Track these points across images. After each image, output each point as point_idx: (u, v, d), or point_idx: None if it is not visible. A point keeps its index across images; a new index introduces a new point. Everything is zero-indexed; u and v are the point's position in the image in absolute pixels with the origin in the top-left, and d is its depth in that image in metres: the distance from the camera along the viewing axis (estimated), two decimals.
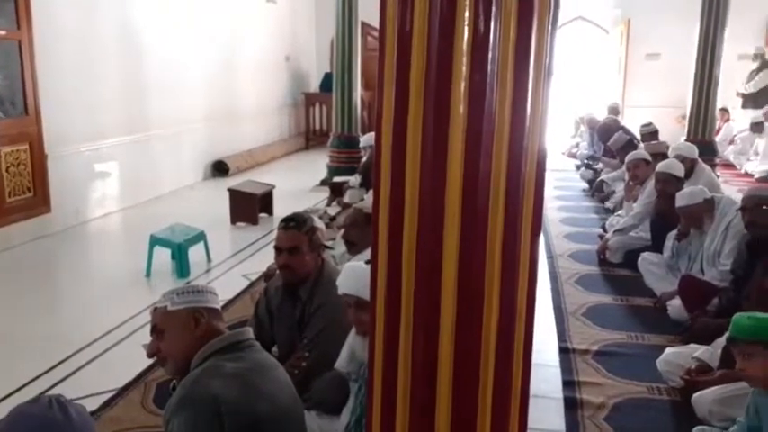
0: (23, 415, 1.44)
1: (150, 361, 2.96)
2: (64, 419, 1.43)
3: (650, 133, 7.94)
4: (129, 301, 4.46)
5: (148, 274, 5.05)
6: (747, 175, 9.48)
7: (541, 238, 6.02)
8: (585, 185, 8.59)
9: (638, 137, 8.15)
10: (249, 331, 2.04)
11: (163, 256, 5.14)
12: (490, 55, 1.16)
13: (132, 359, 3.41)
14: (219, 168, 9.44)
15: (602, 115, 10.87)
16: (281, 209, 6.26)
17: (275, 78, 11.71)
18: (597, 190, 7.94)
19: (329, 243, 4.23)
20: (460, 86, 1.17)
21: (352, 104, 8.52)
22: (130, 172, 7.45)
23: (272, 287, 3.10)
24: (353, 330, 2.48)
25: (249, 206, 6.65)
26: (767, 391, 2.32)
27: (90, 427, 1.51)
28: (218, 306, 2.06)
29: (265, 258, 4.90)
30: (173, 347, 1.94)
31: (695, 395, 2.96)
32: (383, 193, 1.30)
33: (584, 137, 10.97)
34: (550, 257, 5.55)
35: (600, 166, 8.83)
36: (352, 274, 2.34)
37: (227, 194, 6.72)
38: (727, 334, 2.49)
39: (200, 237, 5.38)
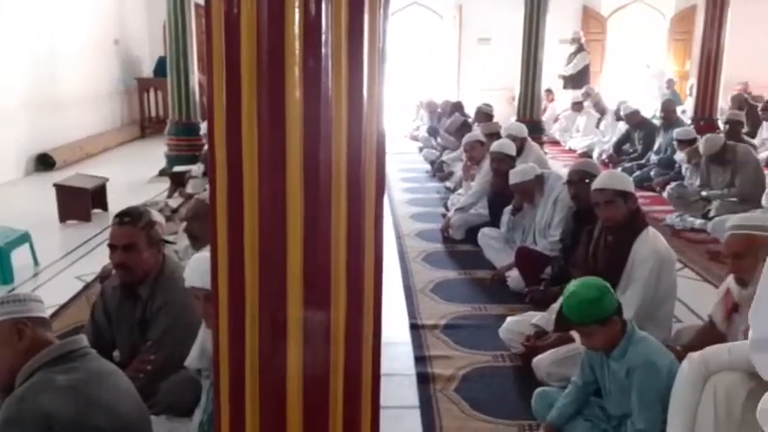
0: None
1: None
2: None
3: (484, 114, 8.36)
4: None
5: None
6: (571, 150, 10.31)
7: (389, 220, 6.18)
8: (428, 167, 8.88)
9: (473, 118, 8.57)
10: (83, 339, 1.88)
11: None
12: (323, 38, 1.14)
13: None
14: (44, 162, 8.66)
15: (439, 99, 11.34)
16: (117, 203, 5.84)
17: (104, 63, 10.93)
18: (438, 170, 8.25)
19: (171, 237, 4.03)
20: (294, 71, 1.14)
21: (189, 89, 8.17)
22: None
23: (109, 288, 2.89)
24: (203, 325, 2.38)
25: (80, 202, 6.16)
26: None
27: None
28: (45, 314, 1.89)
29: (101, 258, 4.55)
30: None
31: (535, 359, 3.17)
32: (219, 183, 1.25)
33: (424, 120, 11.35)
34: (398, 238, 5.69)
35: (440, 140, 9.21)
36: (200, 266, 2.23)
37: (53, 190, 6.19)
38: (560, 300, 2.67)
39: (25, 238, 4.92)
